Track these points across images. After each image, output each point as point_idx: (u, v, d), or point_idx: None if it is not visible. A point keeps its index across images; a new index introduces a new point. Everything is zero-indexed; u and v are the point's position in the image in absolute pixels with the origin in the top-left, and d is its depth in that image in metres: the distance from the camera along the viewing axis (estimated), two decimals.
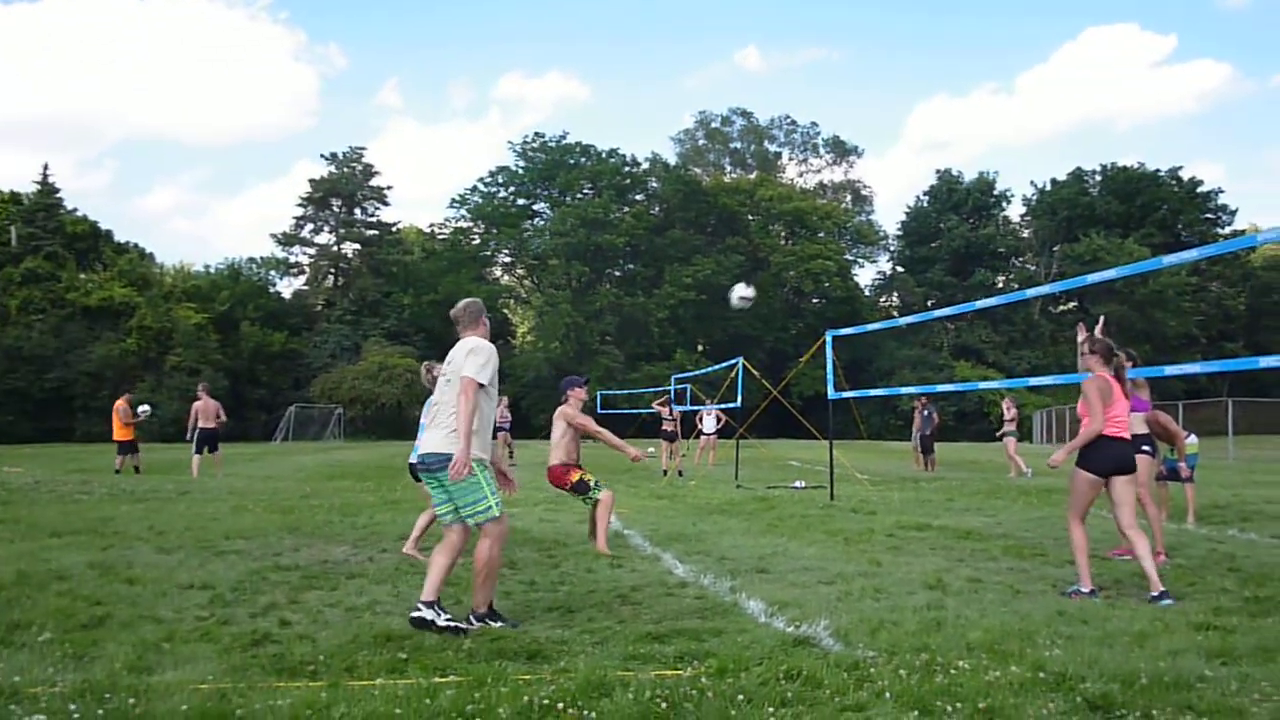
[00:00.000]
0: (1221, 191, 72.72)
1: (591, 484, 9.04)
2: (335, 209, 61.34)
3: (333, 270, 62.47)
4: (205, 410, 18.93)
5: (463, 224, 67.17)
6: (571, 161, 65.26)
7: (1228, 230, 69.73)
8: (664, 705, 4.11)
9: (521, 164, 65.93)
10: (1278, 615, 5.93)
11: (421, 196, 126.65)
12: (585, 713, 4.04)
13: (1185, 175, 71.81)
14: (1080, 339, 9.18)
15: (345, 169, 61.14)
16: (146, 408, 19.88)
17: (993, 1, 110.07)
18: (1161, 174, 71.71)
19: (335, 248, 61.88)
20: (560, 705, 4.10)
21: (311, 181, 60.56)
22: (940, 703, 4.13)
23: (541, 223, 67.17)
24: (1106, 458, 6.73)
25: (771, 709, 4.09)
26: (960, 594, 6.71)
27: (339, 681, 4.47)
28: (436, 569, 5.73)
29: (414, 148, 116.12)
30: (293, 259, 62.58)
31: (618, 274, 67.56)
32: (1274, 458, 28.36)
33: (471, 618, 5.68)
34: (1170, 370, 8.23)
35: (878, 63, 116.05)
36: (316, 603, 6.37)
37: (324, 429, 50.80)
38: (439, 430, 5.71)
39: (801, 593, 6.71)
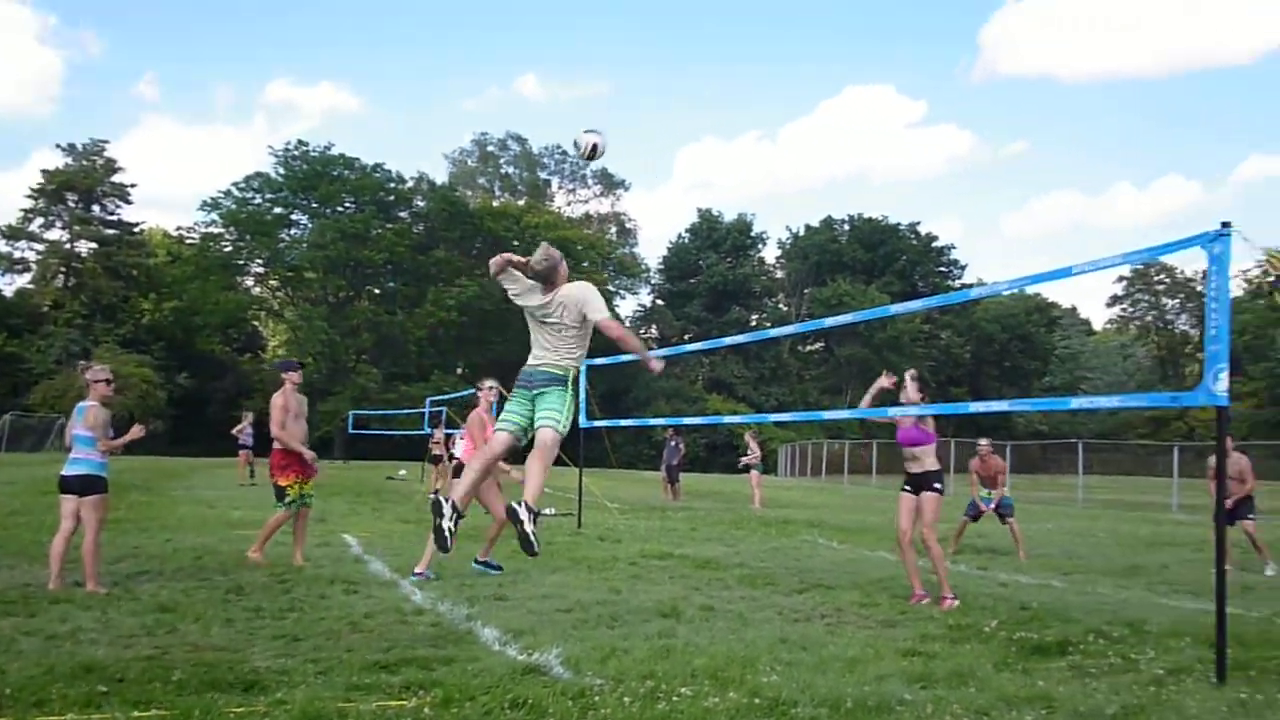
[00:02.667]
0: (954, 247, 79.23)
1: (287, 497, 9.19)
2: (70, 204, 56.83)
3: (63, 269, 57.74)
4: None
5: (214, 229, 63.61)
6: (334, 173, 63.09)
7: (958, 283, 75.61)
8: None
9: (281, 171, 63.30)
10: (975, 641, 6.42)
11: (175, 199, 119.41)
12: None
13: (923, 230, 77.88)
14: (888, 383, 9.50)
15: (85, 162, 56.80)
16: None
17: (763, 54, 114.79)
18: (902, 227, 77.15)
19: (68, 245, 57.23)
20: None
21: (44, 173, 55.93)
22: None
23: (299, 233, 64.55)
24: None
25: None
26: (692, 622, 6.90)
27: (26, 717, 4.12)
28: (534, 474, 6.09)
29: (170, 147, 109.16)
30: (18, 254, 57.51)
31: (378, 291, 65.80)
32: None
33: (523, 506, 5.87)
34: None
35: (652, 102, 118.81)
36: (10, 630, 5.85)
37: (44, 440, 46.79)
38: (553, 354, 6.57)
39: (537, 620, 6.72)
